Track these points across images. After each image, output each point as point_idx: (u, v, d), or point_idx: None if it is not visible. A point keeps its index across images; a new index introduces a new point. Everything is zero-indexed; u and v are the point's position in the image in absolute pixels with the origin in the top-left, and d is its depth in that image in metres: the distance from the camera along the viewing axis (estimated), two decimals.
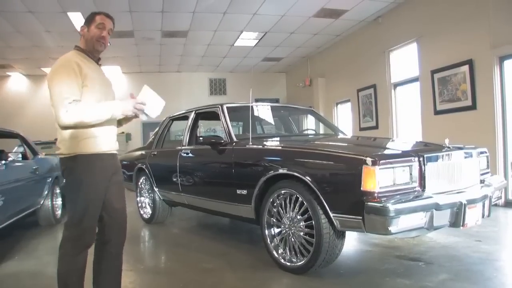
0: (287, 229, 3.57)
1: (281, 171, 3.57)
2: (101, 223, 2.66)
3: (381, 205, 2.78)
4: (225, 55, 12.81)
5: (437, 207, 2.96)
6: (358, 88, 10.52)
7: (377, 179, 2.85)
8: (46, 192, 6.04)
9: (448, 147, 3.39)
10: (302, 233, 3.42)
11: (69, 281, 2.52)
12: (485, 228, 4.62)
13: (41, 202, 5.95)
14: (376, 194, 2.85)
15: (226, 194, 4.32)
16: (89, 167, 2.50)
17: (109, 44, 2.69)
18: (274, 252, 3.67)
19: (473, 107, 6.88)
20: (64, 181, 2.60)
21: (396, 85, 9.25)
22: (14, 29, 9.33)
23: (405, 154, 3.16)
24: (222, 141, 4.44)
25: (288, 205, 3.55)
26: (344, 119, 11.66)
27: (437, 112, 7.68)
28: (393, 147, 3.84)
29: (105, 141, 2.58)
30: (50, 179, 6.22)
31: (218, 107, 4.85)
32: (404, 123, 9.22)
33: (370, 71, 9.96)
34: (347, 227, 3.08)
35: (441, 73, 7.51)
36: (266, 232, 3.75)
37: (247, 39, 11.06)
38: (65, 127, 2.46)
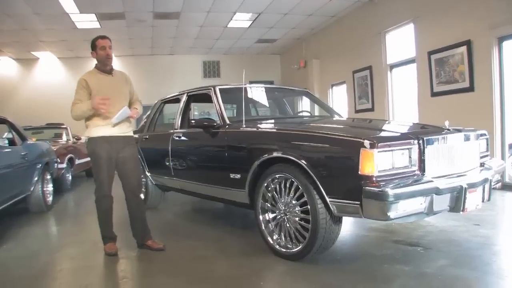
0: (282, 215, 3.46)
1: (275, 154, 3.44)
2: (121, 179, 3.98)
3: (380, 189, 2.66)
4: (218, 37, 12.62)
5: (437, 191, 2.85)
6: (353, 69, 10.41)
7: (375, 163, 2.73)
8: (36, 179, 5.90)
9: (448, 129, 3.28)
10: (297, 219, 3.31)
11: (102, 218, 3.88)
12: (483, 212, 4.54)
13: (31, 189, 5.81)
14: (374, 178, 2.74)
15: (219, 179, 4.21)
16: (95, 145, 3.79)
17: (113, 56, 3.93)
18: (269, 238, 3.56)
19: (470, 88, 6.78)
20: None
21: (392, 66, 9.14)
22: (1, 11, 9.09)
23: (404, 137, 3.04)
24: (215, 124, 4.31)
25: (283, 189, 3.43)
26: (340, 101, 11.55)
27: (434, 94, 7.58)
28: (390, 129, 3.74)
29: (102, 130, 3.80)
30: (40, 165, 6.08)
31: (211, 89, 4.71)
32: (400, 105, 9.12)
33: (365, 53, 9.83)
34: (344, 213, 2.97)
35: (438, 54, 7.40)
36: (261, 217, 3.64)
37: (241, 20, 10.88)
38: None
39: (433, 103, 7.57)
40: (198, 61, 15.08)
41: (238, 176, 3.89)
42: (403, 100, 8.97)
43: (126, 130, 3.96)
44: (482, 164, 3.57)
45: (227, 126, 4.24)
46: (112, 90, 3.83)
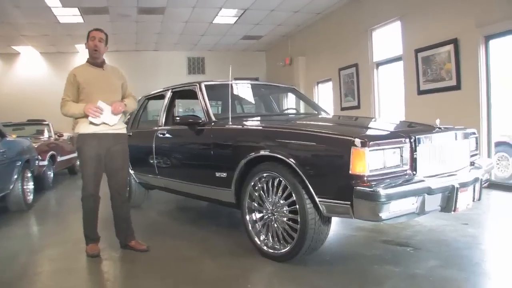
0: (269, 214, 3.37)
1: (262, 153, 3.35)
2: (108, 178, 3.86)
3: (372, 189, 2.59)
4: (203, 33, 12.48)
5: (429, 191, 2.79)
6: (339, 67, 10.37)
7: (366, 162, 2.66)
8: (15, 176, 5.70)
9: (439, 128, 3.23)
10: (285, 219, 3.23)
11: (87, 218, 3.74)
12: (470, 211, 4.46)
13: (11, 187, 5.62)
14: (365, 178, 2.66)
15: (205, 177, 4.10)
16: (84, 142, 3.65)
17: (107, 48, 3.84)
18: (256, 239, 3.47)
19: (457, 87, 6.77)
20: None
21: (378, 64, 9.12)
22: None
23: (395, 135, 2.97)
24: (200, 121, 4.20)
25: (270, 189, 3.34)
26: (325, 98, 11.51)
27: (420, 92, 7.57)
28: (380, 127, 3.66)
29: (93, 126, 3.64)
30: (20, 162, 5.89)
31: (196, 85, 4.60)
32: (386, 103, 9.10)
33: (352, 50, 9.79)
34: (334, 213, 2.89)
35: (425, 52, 7.38)
36: (247, 217, 3.54)
37: (227, 16, 10.78)
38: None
39: (420, 101, 7.55)
40: (183, 57, 14.94)
41: (224, 174, 3.79)
42: (390, 98, 8.95)
43: (118, 127, 3.78)
44: (472, 163, 3.53)
45: (212, 123, 4.13)
46: (100, 83, 3.70)
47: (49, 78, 13.53)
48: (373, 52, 9.17)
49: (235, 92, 5.13)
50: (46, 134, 9.34)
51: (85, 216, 3.75)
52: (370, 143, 2.68)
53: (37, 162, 7.05)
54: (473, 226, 4.20)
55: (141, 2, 9.37)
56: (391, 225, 4.18)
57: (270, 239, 3.38)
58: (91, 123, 3.60)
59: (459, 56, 6.72)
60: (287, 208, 3.20)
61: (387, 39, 8.76)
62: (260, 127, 4.02)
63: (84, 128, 3.65)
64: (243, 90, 5.36)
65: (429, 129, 3.24)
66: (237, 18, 10.92)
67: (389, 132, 3.16)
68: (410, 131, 3.17)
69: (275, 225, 3.32)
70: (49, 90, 13.13)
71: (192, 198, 4.73)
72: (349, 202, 2.71)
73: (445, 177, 3.03)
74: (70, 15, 9.95)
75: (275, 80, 13.21)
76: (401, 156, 2.84)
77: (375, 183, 2.66)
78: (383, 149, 2.75)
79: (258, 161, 3.43)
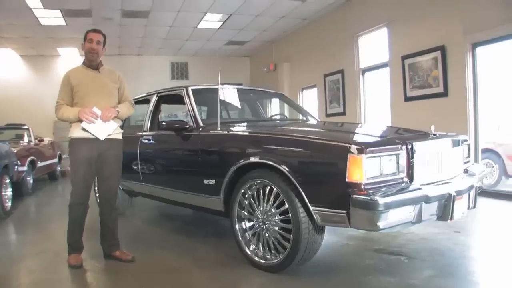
0: (260, 223, 3.26)
1: (252, 159, 3.24)
2: (98, 187, 3.83)
3: (369, 198, 2.49)
4: (187, 38, 12.34)
5: (427, 199, 2.71)
6: (325, 73, 10.31)
7: (364, 169, 2.56)
8: None
9: (434, 135, 3.16)
10: (277, 228, 3.12)
11: (73, 226, 3.55)
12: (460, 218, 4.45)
13: None
14: (363, 186, 2.56)
15: (192, 184, 3.97)
16: (75, 146, 3.52)
17: (105, 50, 3.78)
18: (246, 249, 3.34)
19: (444, 94, 6.76)
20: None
21: (364, 70, 9.09)
22: None
23: (392, 142, 2.87)
24: (187, 126, 4.07)
25: (261, 197, 3.23)
26: (310, 105, 11.41)
27: (407, 99, 7.54)
28: (372, 133, 3.58)
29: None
30: None
31: (183, 89, 4.46)
32: (372, 109, 9.06)
33: (338, 56, 9.75)
34: (329, 222, 2.79)
35: (412, 59, 7.36)
36: (237, 226, 3.42)
37: (211, 21, 10.65)
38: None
39: (407, 108, 7.52)
40: (166, 62, 14.76)
41: (213, 182, 3.67)
42: (376, 105, 8.92)
43: (114, 131, 3.62)
44: (465, 170, 3.47)
45: (200, 129, 4.01)
46: (93, 86, 3.55)
47: (30, 81, 13.24)
48: (359, 58, 9.13)
49: (222, 97, 5.01)
50: (26, 139, 9.07)
51: (71, 224, 3.56)
52: (367, 149, 2.59)
53: (16, 167, 6.83)
54: (465, 234, 4.16)
55: (125, 5, 9.20)
56: (383, 233, 4.09)
57: (261, 248, 3.27)
58: (83, 129, 3.44)
59: (446, 63, 6.70)
60: (279, 217, 3.10)
61: (374, 46, 8.72)
62: (250, 133, 3.89)
63: (77, 132, 3.49)
64: (231, 95, 5.24)
65: (424, 135, 3.17)
66: (222, 23, 10.80)
67: (385, 139, 3.08)
68: (406, 137, 3.08)
69: (266, 235, 3.20)
70: (30, 94, 12.89)
71: (178, 206, 4.59)
72: (345, 211, 2.61)
73: (441, 185, 2.95)
74: (52, 17, 9.69)
75: (259, 86, 13.13)
76: (398, 163, 2.76)
77: (372, 191, 2.56)
78: (379, 156, 2.67)
79: (248, 168, 3.31)
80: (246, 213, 3.38)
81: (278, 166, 2.99)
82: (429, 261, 3.38)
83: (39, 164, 8.68)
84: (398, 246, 3.79)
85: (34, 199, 7.76)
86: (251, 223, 3.36)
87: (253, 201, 3.31)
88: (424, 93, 7.15)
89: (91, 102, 3.44)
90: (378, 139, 3.18)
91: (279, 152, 3.11)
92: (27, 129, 9.37)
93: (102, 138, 3.49)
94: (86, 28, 3.54)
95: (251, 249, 3.33)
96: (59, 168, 10.85)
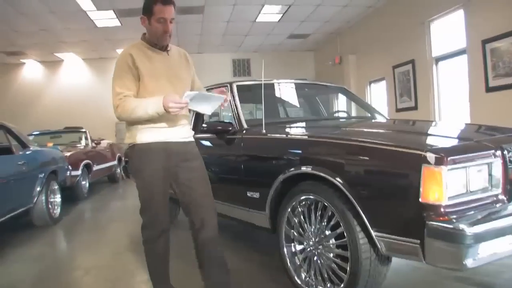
0: (311, 247, 2.66)
1: (303, 169, 2.64)
2: (187, 209, 2.64)
3: (452, 226, 1.83)
4: (247, 33, 11.94)
5: None
6: (393, 64, 9.55)
7: (444, 186, 1.90)
8: (38, 189, 5.29)
9: None
10: (331, 255, 2.51)
11: (153, 265, 2.66)
12: None
13: (34, 201, 5.21)
14: (442, 209, 1.90)
15: (235, 196, 3.45)
16: (143, 156, 2.51)
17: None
18: (296, 278, 2.75)
19: None
20: None
21: (438, 59, 8.23)
22: (14, 10, 8.60)
23: (481, 146, 2.16)
24: (230, 129, 3.54)
25: (313, 215, 2.63)
26: (379, 99, 10.67)
27: (489, 89, 6.64)
28: (453, 135, 2.87)
29: (160, 132, 2.52)
30: (43, 174, 5.46)
31: (227, 86, 3.92)
32: (447, 103, 8.15)
33: (407, 45, 8.95)
34: (397, 252, 2.14)
35: (494, 43, 6.46)
36: (285, 250, 2.83)
37: (270, 13, 10.18)
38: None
39: (489, 100, 6.63)
40: (228, 59, 14.56)
41: (257, 194, 3.12)
42: (452, 98, 8.01)
43: (187, 134, 2.68)
44: None
45: (244, 131, 3.46)
46: (169, 76, 2.57)
47: (93, 84, 13.56)
48: (432, 46, 8.30)
49: (274, 94, 4.45)
50: (83, 142, 8.99)
51: (152, 263, 2.68)
52: (449, 158, 1.92)
53: (68, 172, 6.66)
54: None
55: (178, 1, 8.81)
56: None
57: (313, 277, 2.66)
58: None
59: None
60: (334, 242, 2.48)
61: (448, 31, 7.83)
62: (300, 136, 3.29)
63: (145, 135, 2.50)
64: (284, 91, 4.66)
65: None
66: (281, 15, 10.29)
67: (471, 142, 2.36)
68: (499, 140, 2.36)
69: (319, 262, 2.60)
70: (92, 97, 13.11)
71: (222, 218, 4.06)
72: (418, 241, 1.96)
73: None
74: (106, 19, 9.67)
75: (325, 81, 12.49)
76: (490, 175, 2.05)
77: (455, 215, 1.89)
78: (465, 166, 1.98)
79: (298, 179, 2.72)
80: (295, 233, 2.79)
81: (332, 179, 2.37)
82: None
83: (96, 167, 8.54)
84: (489, 274, 3.02)
85: (88, 203, 7.58)
86: (302, 246, 2.76)
87: (303, 219, 2.71)
88: (510, 82, 6.22)
89: (163, 95, 2.38)
90: (462, 142, 2.45)
91: (333, 160, 2.49)
92: (84, 132, 9.32)
93: (209, 112, 2.66)
94: (142, 28, 2.52)
95: (302, 277, 2.73)
96: (118, 171, 10.75)
